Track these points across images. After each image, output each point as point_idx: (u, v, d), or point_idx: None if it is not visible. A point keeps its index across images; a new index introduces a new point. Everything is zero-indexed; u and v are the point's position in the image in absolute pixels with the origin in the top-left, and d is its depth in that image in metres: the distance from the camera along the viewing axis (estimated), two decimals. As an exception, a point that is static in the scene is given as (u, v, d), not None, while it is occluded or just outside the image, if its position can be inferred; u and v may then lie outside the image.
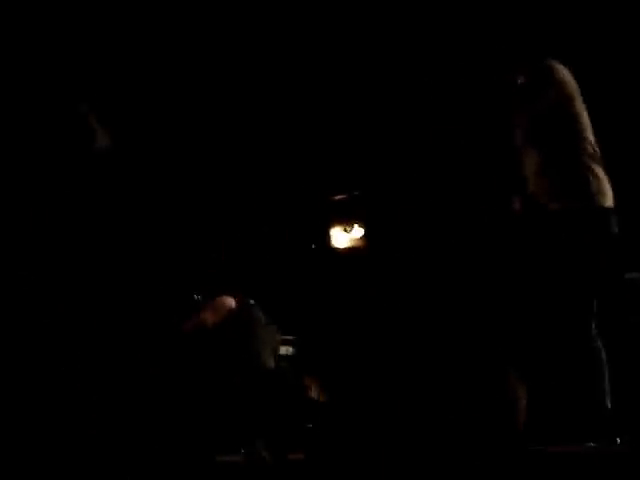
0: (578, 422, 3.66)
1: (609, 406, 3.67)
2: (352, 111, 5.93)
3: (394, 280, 5.82)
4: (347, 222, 6.13)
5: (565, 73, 3.86)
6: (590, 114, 3.92)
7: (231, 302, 3.85)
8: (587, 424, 3.65)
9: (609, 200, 3.80)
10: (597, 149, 3.85)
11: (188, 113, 5.76)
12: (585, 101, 3.91)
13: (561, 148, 3.79)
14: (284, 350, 4.87)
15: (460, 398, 4.57)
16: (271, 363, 3.91)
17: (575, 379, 3.72)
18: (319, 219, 6.03)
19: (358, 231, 6.17)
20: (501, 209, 4.31)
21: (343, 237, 6.14)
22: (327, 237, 6.04)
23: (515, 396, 3.77)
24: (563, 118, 3.80)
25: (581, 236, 3.74)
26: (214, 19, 5.57)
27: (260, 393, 3.73)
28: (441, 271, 5.54)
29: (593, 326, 3.75)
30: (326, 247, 6.03)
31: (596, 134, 3.92)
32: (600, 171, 3.81)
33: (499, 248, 4.84)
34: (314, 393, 4.62)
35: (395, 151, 5.86)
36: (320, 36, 5.73)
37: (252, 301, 4.18)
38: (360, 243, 6.13)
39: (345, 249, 6.09)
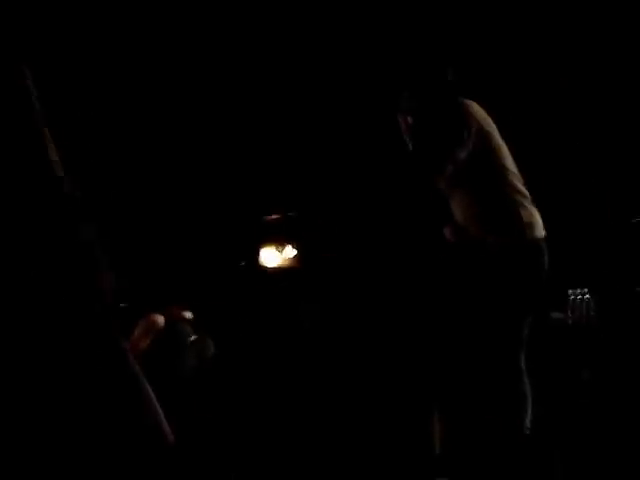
0: (490, 453, 3.70)
1: (525, 436, 3.72)
2: (284, 133, 5.94)
3: (325, 302, 5.83)
4: (279, 242, 6.11)
5: (478, 109, 3.83)
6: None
7: (160, 320, 3.80)
8: (499, 455, 3.69)
9: (539, 231, 3.83)
10: (520, 180, 3.87)
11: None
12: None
13: (486, 186, 3.79)
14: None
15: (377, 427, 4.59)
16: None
17: (497, 409, 3.76)
18: (250, 238, 6.01)
19: (290, 251, 6.15)
20: (433, 235, 4.33)
21: (274, 257, 6.12)
22: (257, 256, 6.02)
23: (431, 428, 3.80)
24: (483, 156, 3.76)
25: (512, 268, 3.77)
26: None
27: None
28: (373, 297, 5.55)
29: (522, 359, 3.78)
30: (256, 265, 6.01)
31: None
32: (527, 202, 3.84)
33: (431, 274, 4.86)
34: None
35: (327, 174, 5.88)
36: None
37: (189, 314, 4.12)
38: (292, 263, 6.11)
39: (276, 268, 6.07)
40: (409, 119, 3.83)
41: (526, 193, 3.85)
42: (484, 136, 3.76)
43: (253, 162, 6.02)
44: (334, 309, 5.71)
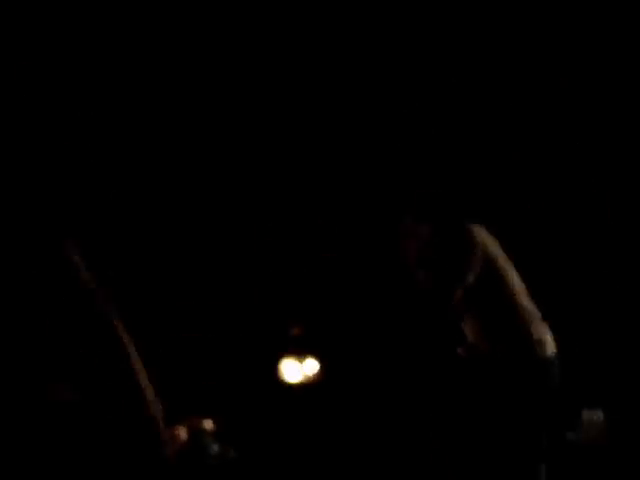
0: None
1: None
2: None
3: (346, 416, 5.84)
4: (300, 355, 6.10)
5: (483, 233, 3.95)
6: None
7: (182, 433, 3.86)
8: None
9: (550, 348, 3.90)
10: (528, 297, 3.94)
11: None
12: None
13: (494, 308, 3.88)
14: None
15: None
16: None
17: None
18: (271, 351, 6.03)
19: (312, 365, 6.09)
20: (446, 355, 4.41)
21: (296, 370, 6.09)
22: (278, 370, 6.03)
23: None
24: (490, 278, 3.87)
25: (523, 387, 3.84)
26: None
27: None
28: (392, 414, 5.58)
29: (542, 472, 3.82)
30: (277, 379, 6.02)
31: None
32: (536, 320, 3.91)
33: (446, 391, 4.93)
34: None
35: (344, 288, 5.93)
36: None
37: (210, 424, 4.16)
38: (314, 377, 6.09)
39: (298, 383, 6.06)
40: (414, 246, 3.93)
41: (535, 310, 3.93)
42: (490, 259, 3.87)
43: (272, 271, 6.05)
44: (351, 422, 5.73)
